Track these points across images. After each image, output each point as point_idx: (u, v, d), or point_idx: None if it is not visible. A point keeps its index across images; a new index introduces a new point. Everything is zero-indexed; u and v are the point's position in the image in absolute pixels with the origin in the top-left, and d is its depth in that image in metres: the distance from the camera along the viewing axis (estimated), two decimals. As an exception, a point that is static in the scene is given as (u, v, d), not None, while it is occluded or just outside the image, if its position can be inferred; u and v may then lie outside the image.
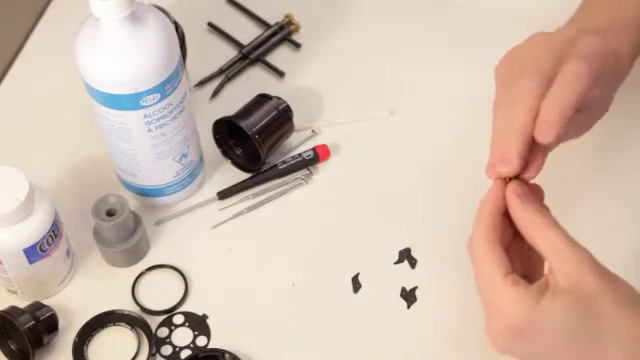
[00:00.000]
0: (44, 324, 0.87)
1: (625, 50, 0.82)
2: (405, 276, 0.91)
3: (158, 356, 0.88)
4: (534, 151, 0.75)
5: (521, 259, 0.74)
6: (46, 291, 0.91)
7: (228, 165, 0.99)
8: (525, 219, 0.71)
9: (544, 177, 0.76)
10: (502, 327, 0.70)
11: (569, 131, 0.76)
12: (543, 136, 0.73)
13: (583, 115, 0.78)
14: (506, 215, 0.73)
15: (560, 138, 0.73)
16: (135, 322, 0.89)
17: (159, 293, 0.91)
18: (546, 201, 0.77)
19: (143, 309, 0.90)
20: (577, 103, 0.74)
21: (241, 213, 0.96)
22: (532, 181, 0.76)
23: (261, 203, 0.97)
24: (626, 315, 0.68)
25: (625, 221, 0.93)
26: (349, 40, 1.09)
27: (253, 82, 1.06)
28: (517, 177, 0.74)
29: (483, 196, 0.74)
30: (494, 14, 1.09)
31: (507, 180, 0.74)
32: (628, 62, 0.83)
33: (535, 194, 0.74)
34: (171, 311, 0.91)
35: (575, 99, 0.74)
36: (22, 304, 0.88)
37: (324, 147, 0.99)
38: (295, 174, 0.98)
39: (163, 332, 0.89)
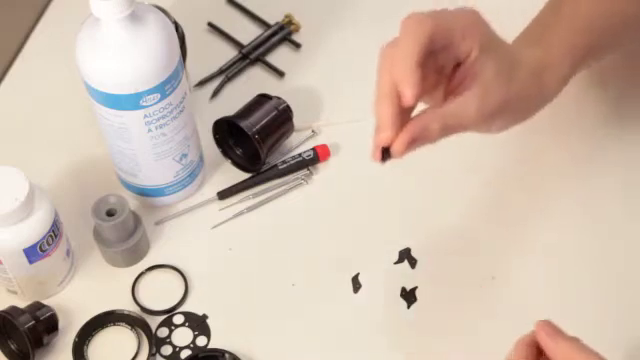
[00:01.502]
0: (44, 324, 0.87)
1: (553, 75, 0.83)
2: (405, 276, 0.91)
3: (158, 356, 0.88)
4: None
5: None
6: (46, 291, 0.91)
7: (228, 165, 0.99)
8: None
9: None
10: None
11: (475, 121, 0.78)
12: (402, 98, 0.74)
13: (499, 116, 0.80)
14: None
15: (418, 96, 0.74)
16: (135, 322, 0.89)
17: (159, 293, 0.91)
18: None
19: (143, 309, 0.90)
20: (419, 55, 0.74)
21: (241, 213, 0.96)
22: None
23: (261, 203, 0.97)
24: None
25: (591, 226, 0.94)
26: (349, 40, 1.09)
27: (253, 82, 1.06)
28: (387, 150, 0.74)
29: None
30: (494, 14, 1.08)
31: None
32: (555, 83, 0.84)
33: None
34: (171, 311, 0.90)
35: (416, 51, 0.74)
36: (22, 304, 0.88)
37: (324, 147, 0.99)
38: (295, 174, 0.98)
39: (163, 332, 0.89)
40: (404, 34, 0.76)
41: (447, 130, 0.77)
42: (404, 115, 0.76)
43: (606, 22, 0.88)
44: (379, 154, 0.75)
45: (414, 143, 0.75)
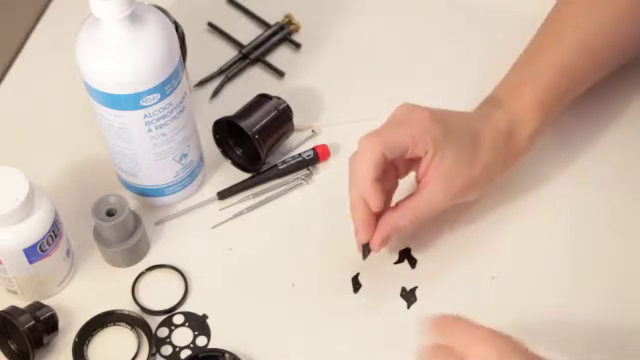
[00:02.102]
0: (44, 324, 0.87)
1: (523, 129, 0.90)
2: (405, 276, 0.91)
3: (158, 356, 0.88)
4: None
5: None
6: (46, 291, 0.91)
7: (228, 165, 0.99)
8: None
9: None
10: None
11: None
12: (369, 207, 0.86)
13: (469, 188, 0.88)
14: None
15: (381, 204, 0.85)
16: (135, 322, 0.89)
17: (159, 293, 0.91)
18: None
19: (143, 309, 0.90)
20: (374, 173, 0.84)
21: (241, 213, 0.96)
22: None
23: (261, 203, 0.97)
24: None
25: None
26: (349, 40, 1.09)
27: (253, 82, 1.06)
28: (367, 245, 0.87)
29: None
30: (494, 14, 1.09)
31: None
32: (526, 140, 0.90)
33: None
34: (171, 311, 0.91)
35: (370, 171, 0.84)
36: (22, 304, 0.88)
37: (324, 147, 0.99)
38: (295, 174, 0.98)
39: (163, 332, 0.89)
40: (359, 155, 0.85)
41: (417, 220, 0.87)
42: (379, 212, 0.86)
43: (578, 66, 0.92)
44: (360, 251, 0.88)
45: (388, 239, 0.87)
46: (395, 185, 0.89)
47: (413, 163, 0.88)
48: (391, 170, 0.88)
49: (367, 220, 0.86)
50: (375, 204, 0.85)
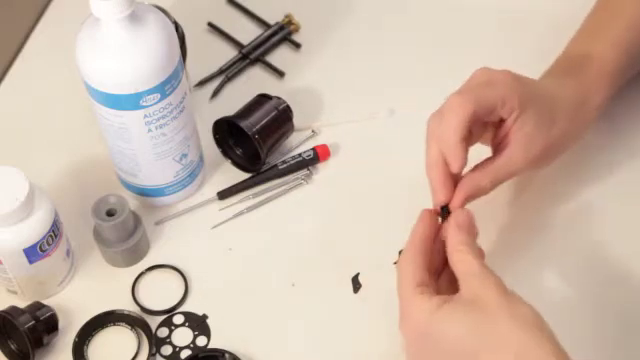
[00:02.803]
0: (44, 324, 0.87)
1: (593, 102, 0.90)
2: (405, 276, 0.91)
3: (158, 356, 0.88)
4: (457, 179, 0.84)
5: (449, 286, 0.79)
6: (46, 291, 0.91)
7: (228, 165, 0.99)
8: (451, 244, 0.78)
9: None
10: (408, 330, 0.76)
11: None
12: (450, 168, 0.83)
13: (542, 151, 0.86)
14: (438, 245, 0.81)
15: (463, 166, 0.82)
16: (135, 322, 0.89)
17: (159, 293, 0.91)
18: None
19: (143, 309, 0.90)
20: (463, 132, 0.81)
21: (241, 213, 0.96)
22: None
23: (261, 203, 0.97)
24: (519, 330, 0.72)
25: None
26: (349, 40, 1.09)
27: (253, 82, 1.06)
28: (446, 210, 0.82)
29: (414, 225, 0.81)
30: (494, 13, 1.09)
31: (442, 212, 0.81)
32: (595, 110, 0.90)
33: (474, 232, 0.81)
34: (171, 311, 0.91)
35: (460, 129, 0.81)
36: (22, 304, 0.88)
37: (324, 147, 0.99)
38: (295, 174, 0.98)
39: (163, 332, 0.89)
40: (449, 112, 0.82)
41: (497, 182, 0.85)
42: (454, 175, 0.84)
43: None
44: (438, 212, 0.83)
45: (469, 199, 0.83)
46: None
47: (486, 129, 0.87)
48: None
49: (447, 180, 0.83)
50: (458, 164, 0.82)
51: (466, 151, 0.82)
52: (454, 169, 0.82)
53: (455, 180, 0.84)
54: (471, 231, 0.79)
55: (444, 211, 0.82)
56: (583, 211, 0.94)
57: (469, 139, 0.83)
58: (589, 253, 0.91)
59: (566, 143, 0.89)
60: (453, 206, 0.83)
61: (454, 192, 0.83)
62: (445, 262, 0.79)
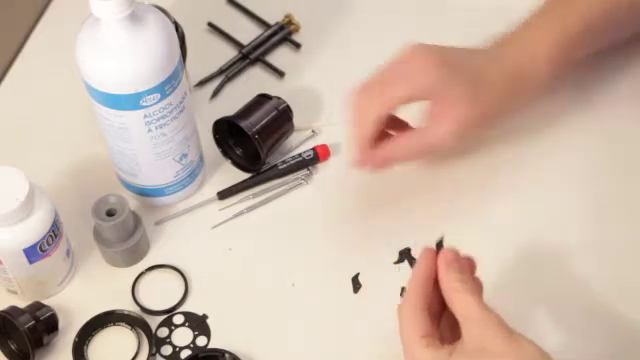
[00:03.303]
0: (44, 324, 0.87)
1: (537, 67, 0.91)
2: (405, 276, 0.91)
3: (158, 356, 0.88)
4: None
5: (452, 328, 0.76)
6: (46, 291, 0.91)
7: (228, 165, 0.99)
8: (445, 283, 0.75)
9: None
10: None
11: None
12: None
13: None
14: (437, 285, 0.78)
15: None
16: (135, 322, 0.89)
17: (159, 293, 0.91)
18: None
19: (143, 309, 0.90)
20: (373, 133, 0.89)
21: (241, 213, 0.96)
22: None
23: (261, 203, 0.97)
24: None
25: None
26: (349, 40, 1.09)
27: (253, 82, 1.06)
28: (441, 245, 0.78)
29: (414, 266, 0.77)
30: (495, 14, 1.08)
31: (437, 250, 0.78)
32: (539, 76, 0.92)
33: (468, 265, 0.78)
34: (171, 311, 0.91)
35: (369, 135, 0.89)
36: (22, 304, 0.88)
37: (324, 147, 0.99)
38: (295, 174, 0.98)
39: (163, 332, 0.89)
40: (358, 117, 0.89)
41: (419, 155, 0.92)
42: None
43: (597, 12, 0.92)
44: (430, 249, 0.79)
45: (386, 162, 0.90)
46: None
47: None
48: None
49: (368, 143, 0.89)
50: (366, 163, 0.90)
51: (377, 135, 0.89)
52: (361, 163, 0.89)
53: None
54: (463, 266, 0.76)
55: (439, 247, 0.79)
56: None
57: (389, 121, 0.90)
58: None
59: (502, 111, 0.91)
60: (372, 168, 0.90)
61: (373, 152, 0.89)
62: (444, 302, 0.76)
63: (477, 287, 0.76)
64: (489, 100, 0.89)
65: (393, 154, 0.90)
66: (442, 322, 0.77)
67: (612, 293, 0.88)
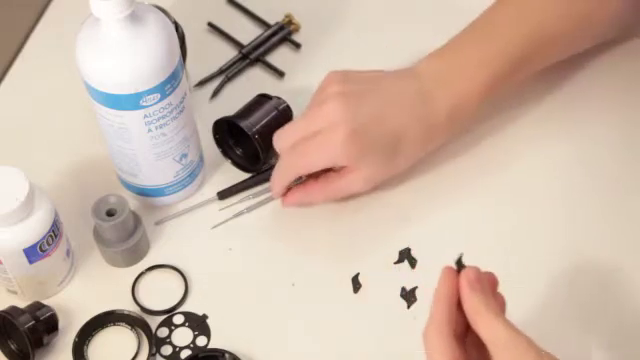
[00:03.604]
0: (44, 324, 0.87)
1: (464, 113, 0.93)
2: (405, 276, 0.91)
3: (158, 356, 0.88)
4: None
5: (478, 347, 0.74)
6: (46, 291, 0.91)
7: (228, 165, 0.99)
8: (469, 307, 0.73)
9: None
10: None
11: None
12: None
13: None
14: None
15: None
16: (135, 322, 0.89)
17: (159, 293, 0.91)
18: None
19: (143, 309, 0.90)
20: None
21: (241, 213, 0.96)
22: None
23: (261, 203, 0.97)
24: None
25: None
26: (349, 40, 1.09)
27: (253, 82, 1.06)
28: (461, 263, 0.75)
29: (436, 287, 0.75)
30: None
31: (457, 267, 0.75)
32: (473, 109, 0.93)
33: (489, 281, 0.75)
34: (171, 311, 0.90)
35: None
36: (22, 304, 0.88)
37: (324, 147, 0.99)
38: (295, 174, 0.98)
39: (163, 332, 0.89)
40: (277, 175, 0.94)
41: (333, 199, 0.94)
42: None
43: (523, 42, 0.93)
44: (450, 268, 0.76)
45: (302, 204, 0.94)
46: None
47: None
48: None
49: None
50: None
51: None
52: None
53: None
54: (485, 285, 0.74)
55: (459, 265, 0.77)
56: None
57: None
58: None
59: (421, 155, 0.94)
60: (285, 199, 0.94)
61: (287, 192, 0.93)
62: (467, 321, 0.74)
63: (500, 305, 0.74)
64: (406, 158, 0.92)
65: (307, 199, 0.94)
66: (468, 343, 0.74)
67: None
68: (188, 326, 0.90)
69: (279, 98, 0.99)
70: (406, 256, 0.92)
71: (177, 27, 0.97)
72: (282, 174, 0.93)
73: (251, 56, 1.07)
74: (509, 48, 0.92)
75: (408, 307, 0.90)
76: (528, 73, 0.95)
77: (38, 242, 0.86)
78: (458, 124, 0.93)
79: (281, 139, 0.92)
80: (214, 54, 1.08)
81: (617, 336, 0.87)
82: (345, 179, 0.91)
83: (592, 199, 0.94)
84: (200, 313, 0.90)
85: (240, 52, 1.07)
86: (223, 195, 0.97)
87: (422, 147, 0.92)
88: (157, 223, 0.96)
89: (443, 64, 0.93)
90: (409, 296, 0.90)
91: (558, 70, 0.99)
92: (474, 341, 0.74)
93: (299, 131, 0.91)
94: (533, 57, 0.93)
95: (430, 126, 0.91)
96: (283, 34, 1.09)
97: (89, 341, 0.89)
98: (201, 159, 0.97)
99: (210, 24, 1.10)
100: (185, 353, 0.88)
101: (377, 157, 0.90)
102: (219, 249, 0.94)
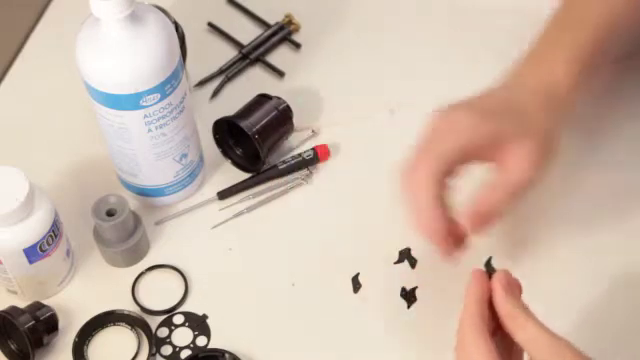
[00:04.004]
0: (44, 324, 0.87)
1: (564, 89, 0.87)
2: (405, 276, 0.91)
3: (158, 356, 0.88)
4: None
5: (505, 351, 0.74)
6: (46, 291, 0.91)
7: (228, 165, 0.99)
8: (506, 310, 0.73)
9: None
10: None
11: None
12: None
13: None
14: (490, 306, 0.75)
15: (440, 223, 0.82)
16: (135, 322, 0.89)
17: (159, 293, 0.91)
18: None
19: (143, 309, 0.90)
20: (434, 189, 0.81)
21: (241, 213, 0.96)
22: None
23: (261, 203, 0.97)
24: None
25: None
26: (349, 40, 1.09)
27: (253, 82, 1.06)
28: (490, 266, 0.76)
29: (468, 285, 0.75)
30: (493, 13, 1.09)
31: (487, 270, 0.76)
32: (568, 94, 0.87)
33: (517, 285, 0.76)
34: (171, 311, 0.91)
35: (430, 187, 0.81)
36: (22, 304, 0.88)
37: (324, 147, 0.99)
38: (295, 174, 0.98)
39: (163, 332, 0.89)
40: (414, 180, 0.82)
41: (515, 196, 0.83)
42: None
43: (609, 20, 0.90)
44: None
45: (483, 223, 0.82)
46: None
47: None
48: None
49: (440, 225, 0.82)
50: (435, 226, 0.82)
51: (442, 208, 0.81)
52: (430, 230, 0.81)
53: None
54: (515, 290, 0.74)
55: (488, 268, 0.77)
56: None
57: (445, 188, 0.82)
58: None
59: (555, 134, 0.86)
60: (472, 230, 0.81)
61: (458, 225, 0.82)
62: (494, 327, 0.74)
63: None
64: (540, 126, 0.85)
65: (486, 207, 0.83)
66: (499, 345, 0.74)
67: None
68: (188, 326, 0.90)
69: (279, 98, 0.99)
70: (406, 256, 0.92)
71: (177, 27, 0.97)
72: (414, 186, 0.82)
73: (251, 56, 1.07)
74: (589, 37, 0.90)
75: (408, 307, 0.90)
76: (615, 50, 0.92)
77: (38, 242, 0.86)
78: (560, 94, 0.88)
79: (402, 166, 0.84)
80: (214, 54, 1.08)
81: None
82: (507, 169, 0.83)
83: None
84: (200, 313, 0.90)
85: (240, 52, 1.07)
86: (223, 195, 0.97)
87: (548, 117, 0.86)
88: (157, 223, 0.96)
89: (527, 59, 0.91)
90: (409, 296, 0.90)
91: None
92: (504, 345, 0.74)
93: (418, 145, 0.85)
94: (610, 44, 0.91)
95: (536, 97, 0.86)
96: (283, 34, 1.09)
97: (89, 341, 0.89)
98: (201, 159, 0.97)
99: (210, 24, 1.10)
100: (185, 353, 0.88)
101: (511, 123, 0.84)
102: (219, 249, 0.94)
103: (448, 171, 0.82)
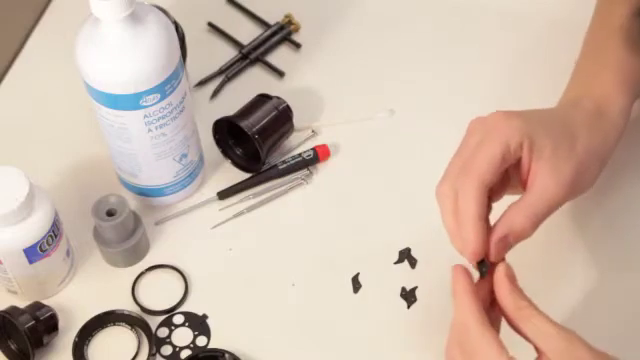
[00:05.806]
0: (44, 324, 0.87)
1: (613, 105, 0.85)
2: (405, 276, 0.91)
3: (158, 356, 0.88)
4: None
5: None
6: (46, 291, 0.91)
7: (228, 165, 0.99)
8: (513, 303, 0.73)
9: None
10: None
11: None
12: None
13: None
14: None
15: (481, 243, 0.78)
16: (135, 322, 0.89)
17: (159, 293, 0.91)
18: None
19: (143, 309, 0.90)
20: (482, 214, 0.78)
21: (241, 213, 0.96)
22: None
23: (261, 203, 0.97)
24: None
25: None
26: (349, 40, 1.09)
27: (253, 82, 1.06)
28: (484, 264, 0.76)
29: (454, 281, 0.75)
30: (493, 13, 1.09)
31: (478, 267, 0.76)
32: (618, 118, 0.86)
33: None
34: (171, 311, 0.91)
35: (477, 211, 0.77)
36: (22, 304, 0.88)
37: (324, 147, 0.99)
38: (295, 174, 0.98)
39: (163, 332, 0.89)
40: (462, 194, 0.78)
41: (537, 218, 0.78)
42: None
43: None
44: (476, 267, 0.77)
45: (508, 246, 0.78)
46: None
47: (507, 177, 0.82)
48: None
49: (480, 232, 0.78)
50: (476, 244, 0.77)
51: (484, 227, 0.78)
52: (470, 251, 0.77)
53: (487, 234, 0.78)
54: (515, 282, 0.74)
55: (483, 267, 0.77)
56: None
57: (489, 205, 0.79)
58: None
59: (598, 157, 0.84)
60: (494, 258, 0.77)
61: (489, 242, 0.78)
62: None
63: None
64: (584, 146, 0.82)
65: (515, 231, 0.78)
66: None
67: None
68: (188, 326, 0.90)
69: (279, 98, 0.99)
70: (406, 256, 0.92)
71: (177, 27, 0.97)
72: (468, 202, 0.78)
73: (251, 56, 1.07)
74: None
75: (408, 307, 0.90)
76: None
77: (38, 242, 0.86)
78: (612, 118, 0.86)
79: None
80: (214, 54, 1.08)
81: None
82: (536, 183, 0.80)
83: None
84: (200, 313, 0.90)
85: (240, 52, 1.07)
86: (223, 195, 0.97)
87: (593, 136, 0.83)
88: (157, 223, 0.96)
89: (573, 81, 0.90)
90: (409, 296, 0.90)
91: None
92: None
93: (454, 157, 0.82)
94: None
95: (587, 118, 0.84)
96: (283, 34, 1.09)
97: (89, 341, 0.89)
98: (201, 159, 0.97)
99: (210, 24, 1.10)
100: (185, 353, 0.88)
101: (550, 133, 0.81)
102: (219, 249, 0.94)
103: (492, 181, 0.78)
